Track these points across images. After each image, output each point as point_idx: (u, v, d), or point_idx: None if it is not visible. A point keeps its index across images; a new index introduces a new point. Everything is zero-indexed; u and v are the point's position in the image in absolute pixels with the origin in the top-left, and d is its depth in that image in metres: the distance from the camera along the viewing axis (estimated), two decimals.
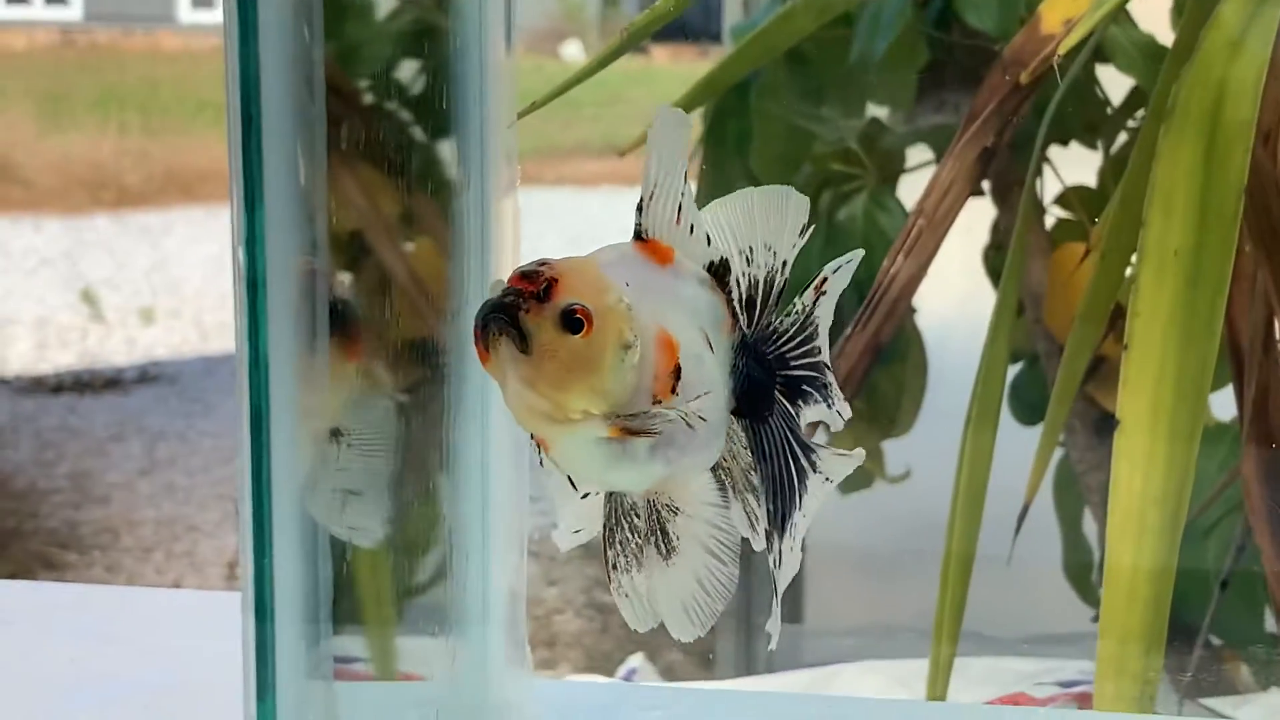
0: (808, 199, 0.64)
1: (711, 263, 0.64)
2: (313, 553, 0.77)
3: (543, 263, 0.59)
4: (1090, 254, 1.28)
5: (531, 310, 0.57)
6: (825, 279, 0.66)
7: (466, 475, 0.89)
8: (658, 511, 0.65)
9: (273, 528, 0.73)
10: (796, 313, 0.66)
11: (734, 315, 0.64)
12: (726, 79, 1.23)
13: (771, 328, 0.66)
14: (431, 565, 0.91)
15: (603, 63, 0.95)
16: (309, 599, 0.77)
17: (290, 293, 0.74)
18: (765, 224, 0.65)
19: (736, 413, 0.65)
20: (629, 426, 0.59)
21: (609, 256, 0.61)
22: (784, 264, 0.65)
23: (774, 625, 0.65)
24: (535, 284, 0.58)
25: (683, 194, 0.62)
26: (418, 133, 0.94)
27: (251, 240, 0.71)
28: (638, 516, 0.65)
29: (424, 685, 0.92)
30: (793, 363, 0.66)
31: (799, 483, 0.66)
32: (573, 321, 0.57)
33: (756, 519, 0.66)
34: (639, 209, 0.62)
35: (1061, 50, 0.81)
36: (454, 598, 0.89)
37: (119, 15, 12.71)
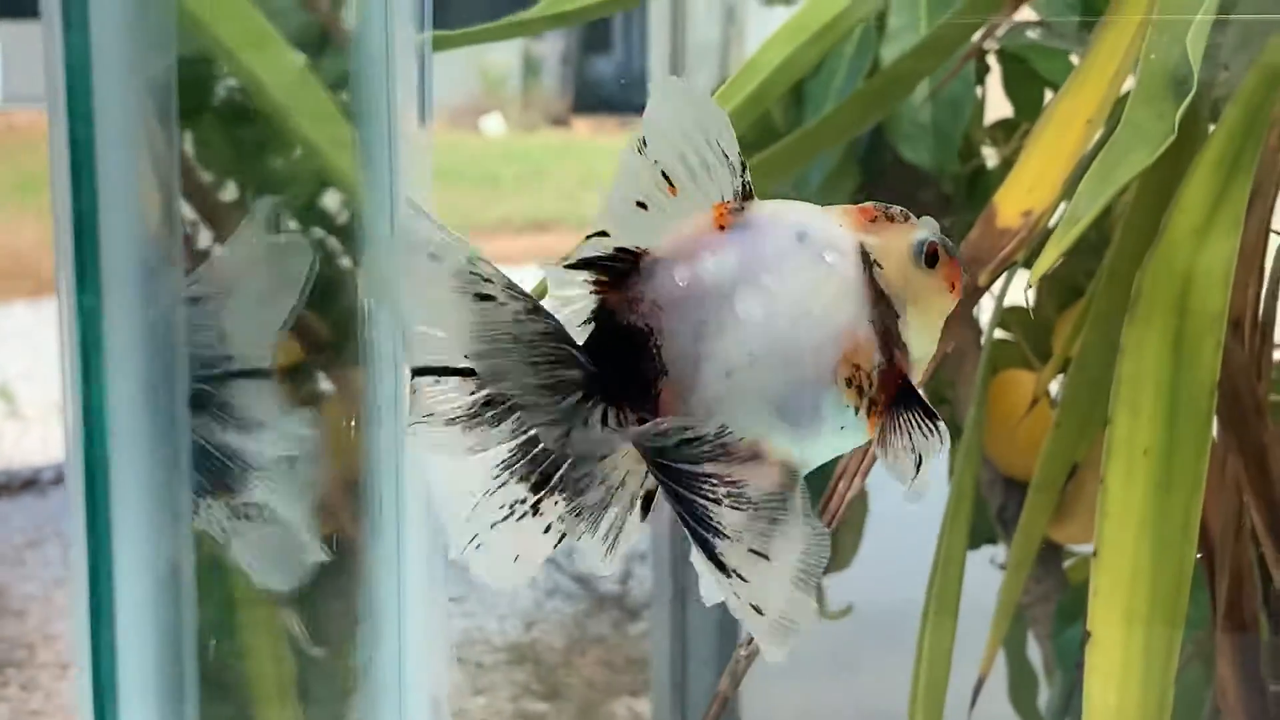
0: None
1: None
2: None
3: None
4: (1036, 403, 1.21)
5: None
6: None
7: (381, 571, 0.82)
8: None
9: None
10: None
11: None
12: None
13: None
14: (344, 668, 0.84)
15: None
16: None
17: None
18: None
19: None
20: None
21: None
22: None
23: None
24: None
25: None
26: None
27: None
28: None
29: None
30: None
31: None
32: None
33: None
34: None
35: (1033, 280, 0.73)
36: (369, 704, 0.81)
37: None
